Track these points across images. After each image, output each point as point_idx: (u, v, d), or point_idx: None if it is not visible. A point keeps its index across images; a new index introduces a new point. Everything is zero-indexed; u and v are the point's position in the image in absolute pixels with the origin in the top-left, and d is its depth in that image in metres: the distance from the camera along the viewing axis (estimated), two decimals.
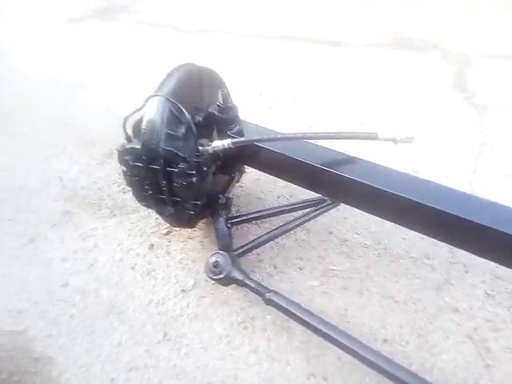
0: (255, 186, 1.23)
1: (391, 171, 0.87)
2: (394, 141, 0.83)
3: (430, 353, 0.83)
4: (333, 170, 0.87)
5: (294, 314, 0.83)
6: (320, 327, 0.80)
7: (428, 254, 1.00)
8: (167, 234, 1.10)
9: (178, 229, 1.08)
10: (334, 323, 0.81)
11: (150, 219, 1.13)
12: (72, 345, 0.89)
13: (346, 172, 0.86)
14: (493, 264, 0.79)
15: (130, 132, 0.92)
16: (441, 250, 1.00)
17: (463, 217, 0.74)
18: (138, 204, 0.98)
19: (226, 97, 0.95)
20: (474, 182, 1.21)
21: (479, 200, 0.81)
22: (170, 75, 0.95)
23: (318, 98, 1.59)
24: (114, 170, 1.28)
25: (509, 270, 0.76)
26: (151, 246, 1.08)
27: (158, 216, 1.02)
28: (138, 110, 0.92)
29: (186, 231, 1.09)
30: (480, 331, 0.85)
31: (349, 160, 0.90)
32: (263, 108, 1.53)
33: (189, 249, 1.06)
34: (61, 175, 1.31)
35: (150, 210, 1.03)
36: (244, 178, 1.19)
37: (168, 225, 1.08)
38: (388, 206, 0.84)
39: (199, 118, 0.95)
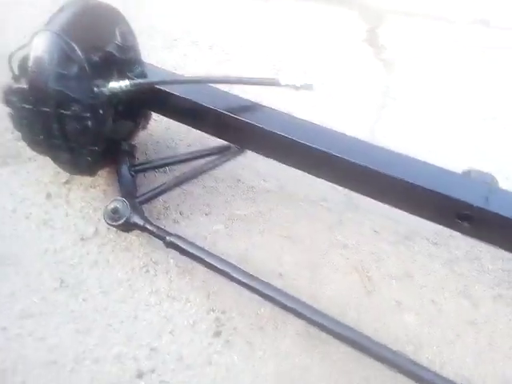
0: (165, 134, 1.25)
1: (295, 119, 0.94)
2: (295, 87, 0.89)
3: (320, 284, 0.94)
4: (237, 116, 0.92)
5: (194, 255, 0.89)
6: (219, 266, 0.88)
7: (326, 197, 1.11)
8: (67, 182, 1.10)
9: (78, 177, 1.08)
10: (234, 262, 0.88)
11: (47, 168, 1.11)
12: None
13: (249, 118, 0.92)
14: (382, 205, 0.90)
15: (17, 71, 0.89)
16: (338, 193, 1.10)
17: (358, 162, 0.83)
18: (35, 153, 0.97)
19: (125, 35, 0.94)
20: (375, 130, 1.33)
21: (374, 147, 0.91)
22: (62, 9, 0.92)
23: (236, 47, 1.61)
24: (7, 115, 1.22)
25: (396, 210, 0.88)
26: (48, 196, 1.07)
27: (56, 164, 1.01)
28: (24, 46, 0.89)
29: (88, 180, 1.09)
30: (364, 263, 0.98)
31: (253, 107, 0.95)
32: (178, 54, 1.53)
33: (90, 197, 1.07)
34: None
35: (47, 157, 1.02)
36: (154, 126, 1.20)
37: (67, 173, 1.08)
38: (291, 152, 0.91)
39: (95, 58, 0.94)
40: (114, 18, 1.00)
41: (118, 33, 0.93)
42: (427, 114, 1.42)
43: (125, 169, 1.05)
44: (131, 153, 1.08)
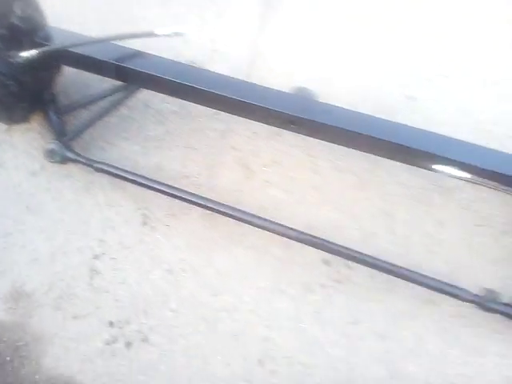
0: (79, 78, 1.51)
1: (175, 63, 1.25)
2: (168, 35, 1.20)
3: (214, 178, 1.36)
4: (126, 64, 1.21)
5: (119, 175, 1.27)
6: (138, 180, 1.27)
7: (218, 112, 1.45)
8: (8, 130, 1.41)
9: (16, 126, 1.39)
10: (150, 173, 1.27)
11: None
12: None
13: (138, 66, 1.22)
14: None
15: None
16: None
17: (229, 96, 1.17)
18: None
19: (24, 6, 1.18)
20: (258, 44, 1.62)
21: (240, 82, 1.23)
22: None
23: None
24: None
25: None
26: (8, 129, 1.38)
27: None
28: None
29: (24, 126, 1.40)
30: (245, 159, 1.39)
31: (140, 55, 1.24)
32: None
33: (30, 139, 1.39)
34: None
35: None
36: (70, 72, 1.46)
37: (6, 124, 1.39)
38: (175, 90, 1.24)
39: (3, 31, 1.19)
40: None
41: (17, 5, 1.17)
42: (309, 24, 1.68)
43: (51, 114, 1.36)
44: (54, 99, 1.38)
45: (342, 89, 1.39)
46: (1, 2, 1.17)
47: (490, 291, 1.09)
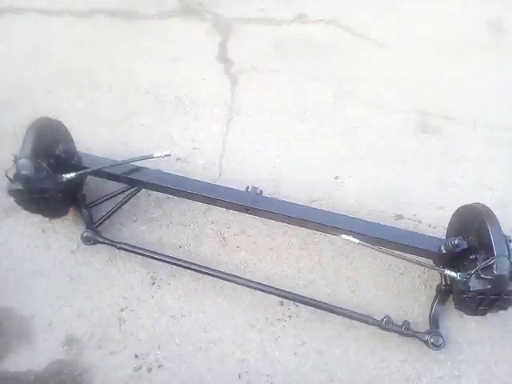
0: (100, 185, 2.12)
1: (165, 173, 1.87)
2: (161, 157, 1.83)
3: (199, 246, 1.96)
4: (134, 177, 1.84)
5: (134, 251, 1.87)
6: (146, 252, 1.86)
7: None
8: (51, 221, 2.01)
9: (57, 219, 2.00)
10: (153, 248, 1.88)
11: (36, 217, 2.00)
12: None
13: (138, 177, 1.85)
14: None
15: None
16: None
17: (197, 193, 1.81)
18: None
19: (65, 140, 1.82)
20: (226, 142, 2.27)
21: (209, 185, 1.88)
22: (27, 133, 1.76)
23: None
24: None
25: None
26: (43, 231, 1.99)
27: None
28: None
29: (63, 218, 2.01)
30: (221, 230, 2.00)
31: (140, 168, 1.87)
32: None
33: (68, 226, 1.99)
34: None
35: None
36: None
37: (47, 219, 1.98)
38: (165, 191, 1.86)
39: (52, 161, 1.82)
40: (57, 128, 1.84)
41: (59, 145, 1.80)
42: (266, 124, 2.33)
43: (82, 208, 1.97)
44: (84, 198, 2.00)
45: (286, 182, 2.02)
46: (52, 136, 1.79)
47: (388, 317, 1.70)
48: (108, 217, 1.94)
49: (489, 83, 2.44)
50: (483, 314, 1.62)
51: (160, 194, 2.01)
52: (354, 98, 2.30)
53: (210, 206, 1.96)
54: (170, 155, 1.80)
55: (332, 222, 1.68)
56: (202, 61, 2.52)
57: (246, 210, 1.74)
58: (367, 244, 1.62)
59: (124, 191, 1.97)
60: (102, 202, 1.97)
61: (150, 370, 1.65)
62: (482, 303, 1.55)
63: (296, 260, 1.86)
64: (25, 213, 1.92)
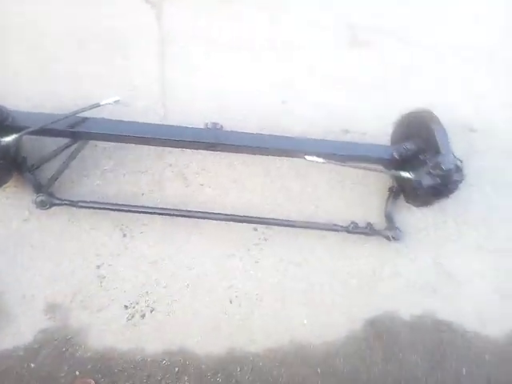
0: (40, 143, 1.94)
1: (109, 121, 1.78)
2: (111, 103, 1.73)
3: (163, 191, 1.96)
4: (79, 129, 1.72)
5: (95, 206, 1.82)
6: (109, 206, 1.83)
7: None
8: None
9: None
10: (114, 201, 1.84)
11: None
12: None
13: (83, 128, 1.73)
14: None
15: None
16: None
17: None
18: None
19: None
20: (164, 79, 2.18)
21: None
22: None
23: None
24: None
25: None
26: None
27: None
28: None
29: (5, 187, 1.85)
30: (181, 171, 2.00)
31: (85, 119, 1.74)
32: None
33: (12, 194, 1.85)
34: None
35: None
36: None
37: None
38: (114, 139, 1.77)
39: None
40: None
41: None
42: (203, 55, 2.23)
43: (27, 174, 1.83)
44: (25, 161, 1.85)
45: (238, 115, 2.04)
46: None
47: (354, 222, 1.89)
48: (57, 177, 1.82)
49: None
50: (431, 204, 1.87)
51: (107, 144, 1.93)
52: (289, 20, 2.30)
53: (165, 148, 1.93)
54: (118, 101, 1.70)
55: (294, 146, 1.78)
56: None
57: (210, 147, 1.76)
58: (330, 161, 1.74)
59: (68, 147, 1.85)
60: (45, 163, 1.84)
61: (143, 316, 1.71)
62: (431, 195, 1.79)
63: (260, 187, 1.96)
64: None
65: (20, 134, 1.61)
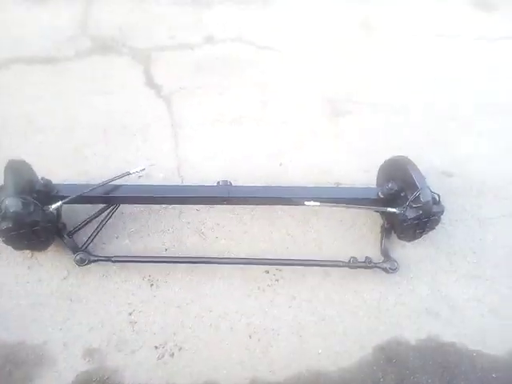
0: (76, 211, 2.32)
1: (137, 186, 2.18)
2: (138, 173, 2.14)
3: (183, 245, 2.29)
4: (111, 195, 2.11)
5: (127, 260, 2.14)
6: (139, 259, 2.15)
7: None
8: (32, 257, 2.18)
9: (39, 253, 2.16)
10: (142, 257, 2.16)
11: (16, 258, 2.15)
12: None
13: (115, 193, 2.12)
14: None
15: None
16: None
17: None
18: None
19: (44, 180, 2.04)
20: (178, 154, 2.63)
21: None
22: (6, 180, 1.95)
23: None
24: None
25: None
26: (29, 267, 2.15)
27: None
28: None
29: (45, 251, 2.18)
30: (198, 228, 2.35)
31: (115, 187, 2.14)
32: None
33: (51, 257, 2.18)
34: None
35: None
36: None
37: (27, 252, 2.14)
38: (140, 201, 2.16)
39: (34, 196, 2.02)
40: (27, 166, 2.03)
41: (40, 179, 2.01)
42: (210, 132, 2.72)
43: (65, 236, 2.18)
44: (64, 227, 2.21)
45: (244, 174, 2.44)
46: (27, 178, 2.00)
47: (354, 257, 2.19)
48: (93, 238, 2.17)
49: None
50: (419, 236, 2.19)
51: (133, 210, 2.30)
52: (276, 98, 2.83)
53: (182, 210, 2.30)
54: (144, 170, 2.11)
55: (294, 194, 2.15)
56: (132, 90, 2.83)
57: (224, 200, 2.13)
58: (326, 204, 2.10)
59: (101, 213, 2.22)
60: (82, 227, 2.20)
61: (172, 354, 1.94)
62: (417, 227, 2.11)
63: (268, 236, 2.28)
64: (5, 255, 2.07)
65: (64, 201, 1.99)
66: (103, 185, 2.08)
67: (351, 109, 2.82)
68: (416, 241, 2.24)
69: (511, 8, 3.53)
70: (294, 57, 3.09)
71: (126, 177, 2.08)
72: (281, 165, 2.54)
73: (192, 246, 2.22)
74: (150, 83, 2.89)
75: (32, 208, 1.89)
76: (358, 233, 2.31)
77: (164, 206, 2.30)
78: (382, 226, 2.27)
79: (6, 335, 1.94)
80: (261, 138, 2.63)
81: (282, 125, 2.71)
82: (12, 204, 1.83)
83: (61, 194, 2.06)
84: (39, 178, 2.02)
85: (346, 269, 2.14)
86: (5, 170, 1.92)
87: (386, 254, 2.22)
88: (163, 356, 1.91)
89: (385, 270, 2.14)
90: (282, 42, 3.16)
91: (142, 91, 2.84)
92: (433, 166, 2.59)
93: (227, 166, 2.48)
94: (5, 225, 1.85)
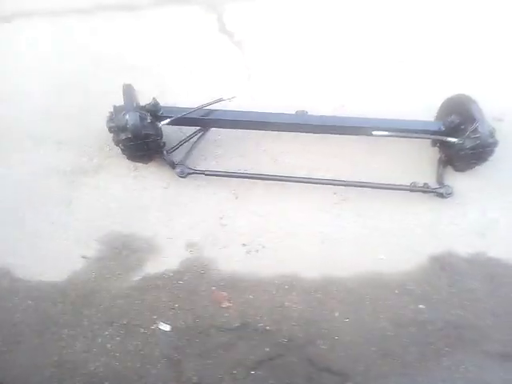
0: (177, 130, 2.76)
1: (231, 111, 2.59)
2: (229, 100, 2.55)
3: (266, 166, 2.71)
4: (204, 117, 2.54)
5: (217, 175, 2.58)
6: (227, 174, 2.59)
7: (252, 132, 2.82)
8: (136, 168, 2.63)
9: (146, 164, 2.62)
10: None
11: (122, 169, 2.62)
12: None
13: (206, 116, 2.55)
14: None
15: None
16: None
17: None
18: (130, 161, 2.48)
19: (154, 100, 2.47)
20: (254, 89, 3.01)
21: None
22: (125, 98, 2.39)
23: None
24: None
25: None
26: (134, 177, 2.61)
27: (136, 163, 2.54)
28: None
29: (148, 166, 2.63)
30: (273, 155, 2.76)
31: (208, 111, 2.55)
32: None
33: (154, 169, 2.63)
34: None
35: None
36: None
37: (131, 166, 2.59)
38: (235, 124, 2.58)
39: (147, 113, 2.45)
40: (135, 90, 2.48)
41: (152, 99, 2.45)
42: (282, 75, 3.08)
43: (165, 154, 2.62)
44: (164, 145, 2.64)
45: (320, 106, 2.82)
46: (138, 98, 2.44)
47: (414, 182, 2.56)
48: (188, 157, 2.60)
49: None
50: (473, 167, 2.54)
51: (219, 137, 2.70)
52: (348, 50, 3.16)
53: (260, 139, 2.68)
54: (235, 97, 2.51)
55: (365, 124, 2.51)
56: (207, 36, 3.14)
57: (302, 127, 2.51)
58: (392, 134, 2.47)
59: (194, 136, 2.65)
60: (179, 147, 2.63)
61: (257, 251, 2.37)
62: (472, 158, 2.46)
63: (333, 164, 2.65)
64: (115, 166, 2.53)
65: (172, 118, 2.42)
66: (199, 108, 2.48)
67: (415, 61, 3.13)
68: (469, 172, 2.56)
69: None
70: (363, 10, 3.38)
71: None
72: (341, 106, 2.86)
73: (268, 168, 2.61)
74: (223, 29, 3.22)
75: (147, 122, 2.31)
76: (419, 164, 2.65)
77: (243, 135, 2.64)
78: (439, 159, 2.62)
79: (121, 227, 2.38)
80: (329, 81, 2.96)
81: (349, 71, 3.04)
82: (132, 118, 2.26)
83: (165, 115, 2.47)
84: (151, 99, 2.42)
85: (407, 193, 2.48)
86: (123, 92, 2.34)
87: (441, 182, 2.57)
88: (250, 252, 2.34)
89: (440, 195, 2.50)
90: None
91: (218, 36, 3.17)
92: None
93: (299, 101, 2.82)
94: (125, 135, 2.29)
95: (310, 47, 3.08)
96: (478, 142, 2.35)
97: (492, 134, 2.40)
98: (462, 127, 2.43)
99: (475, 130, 2.34)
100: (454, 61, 3.02)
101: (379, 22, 3.21)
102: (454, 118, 2.45)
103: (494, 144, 2.42)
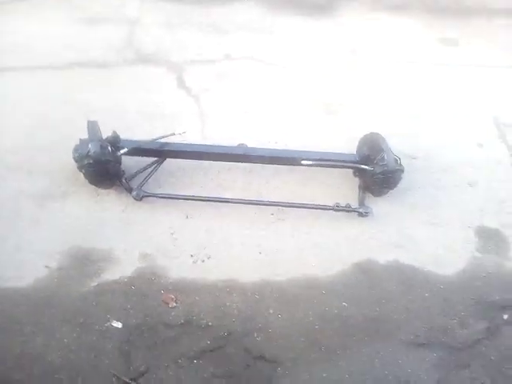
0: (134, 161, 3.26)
1: (184, 144, 3.14)
2: (180, 134, 3.10)
3: (223, 191, 3.21)
4: (161, 149, 3.06)
5: (169, 197, 3.05)
6: (179, 197, 3.07)
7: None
8: (98, 196, 3.08)
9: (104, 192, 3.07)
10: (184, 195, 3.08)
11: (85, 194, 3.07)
12: None
13: (164, 148, 3.07)
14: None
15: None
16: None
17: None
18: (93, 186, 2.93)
19: (113, 134, 2.99)
20: (205, 132, 3.59)
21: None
22: (90, 131, 2.91)
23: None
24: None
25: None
26: (96, 202, 3.06)
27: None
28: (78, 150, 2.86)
29: (108, 192, 3.09)
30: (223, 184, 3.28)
31: (164, 144, 3.09)
32: None
33: (114, 197, 3.09)
34: None
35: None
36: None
37: (95, 193, 3.05)
38: (186, 156, 3.11)
39: (109, 145, 2.96)
40: (98, 125, 3.01)
41: (112, 133, 2.97)
42: (232, 118, 3.70)
43: (124, 180, 3.10)
44: (124, 173, 3.12)
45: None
46: (100, 132, 2.97)
47: (337, 203, 3.11)
48: (143, 184, 3.08)
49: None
50: (386, 192, 3.12)
51: (171, 167, 3.22)
52: (279, 98, 3.85)
53: (209, 168, 3.22)
54: (185, 132, 3.07)
55: (295, 155, 3.10)
56: (167, 90, 3.81)
57: (241, 158, 3.07)
58: (317, 163, 3.05)
59: (149, 167, 3.16)
60: (137, 175, 3.12)
61: (203, 261, 2.80)
62: (384, 182, 3.05)
63: (273, 189, 3.20)
64: (79, 192, 2.99)
65: (129, 147, 2.93)
66: (154, 141, 3.01)
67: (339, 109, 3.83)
68: (385, 197, 3.13)
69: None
70: (294, 71, 4.13)
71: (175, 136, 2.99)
72: (276, 142, 3.46)
73: (214, 193, 3.11)
74: (182, 86, 3.89)
75: (107, 151, 2.81)
76: (338, 189, 3.21)
77: (193, 166, 3.15)
78: (359, 185, 3.19)
79: (82, 242, 2.78)
80: (267, 124, 3.59)
81: (283, 116, 3.69)
82: (94, 146, 2.76)
83: (123, 146, 2.98)
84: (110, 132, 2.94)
85: (336, 213, 3.01)
86: (87, 127, 2.86)
87: (361, 203, 3.13)
88: (196, 261, 2.76)
89: (360, 214, 3.04)
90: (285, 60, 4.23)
91: (176, 92, 3.83)
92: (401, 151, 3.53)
93: (242, 139, 3.39)
94: (87, 160, 2.77)
95: (250, 98, 3.75)
96: (385, 168, 2.93)
97: (397, 162, 3.00)
98: (372, 157, 3.02)
99: (382, 158, 2.94)
100: (376, 108, 3.72)
101: (306, 75, 3.97)
102: (366, 150, 3.05)
103: (401, 170, 3.01)
